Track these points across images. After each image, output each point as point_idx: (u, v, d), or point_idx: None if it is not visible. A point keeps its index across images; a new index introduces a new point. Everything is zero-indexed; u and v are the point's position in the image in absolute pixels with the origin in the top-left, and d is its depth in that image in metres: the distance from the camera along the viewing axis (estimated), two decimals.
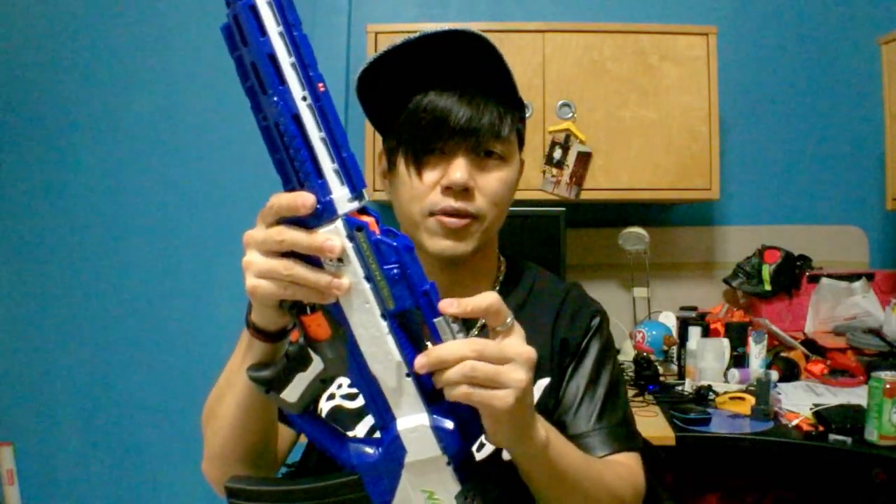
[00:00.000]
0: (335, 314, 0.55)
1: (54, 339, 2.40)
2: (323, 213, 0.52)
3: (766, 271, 2.23)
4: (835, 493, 1.95)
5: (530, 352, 0.57)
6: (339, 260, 0.53)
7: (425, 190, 0.80)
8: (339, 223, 0.52)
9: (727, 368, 1.93)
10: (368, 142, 2.06)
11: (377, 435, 0.59)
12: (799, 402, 1.74)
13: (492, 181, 0.81)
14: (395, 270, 0.53)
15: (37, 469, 2.39)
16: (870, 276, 2.23)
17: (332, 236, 0.52)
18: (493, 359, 0.54)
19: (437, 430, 0.56)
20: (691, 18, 2.34)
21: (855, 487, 1.92)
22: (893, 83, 2.06)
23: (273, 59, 0.50)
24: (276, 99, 0.51)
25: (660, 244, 2.35)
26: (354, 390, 0.82)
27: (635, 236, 2.21)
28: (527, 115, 2.05)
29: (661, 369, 2.01)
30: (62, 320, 2.39)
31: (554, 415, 0.83)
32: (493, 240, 0.90)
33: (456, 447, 0.57)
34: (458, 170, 0.78)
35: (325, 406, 0.84)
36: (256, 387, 0.59)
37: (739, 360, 1.99)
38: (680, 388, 1.92)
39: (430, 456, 0.57)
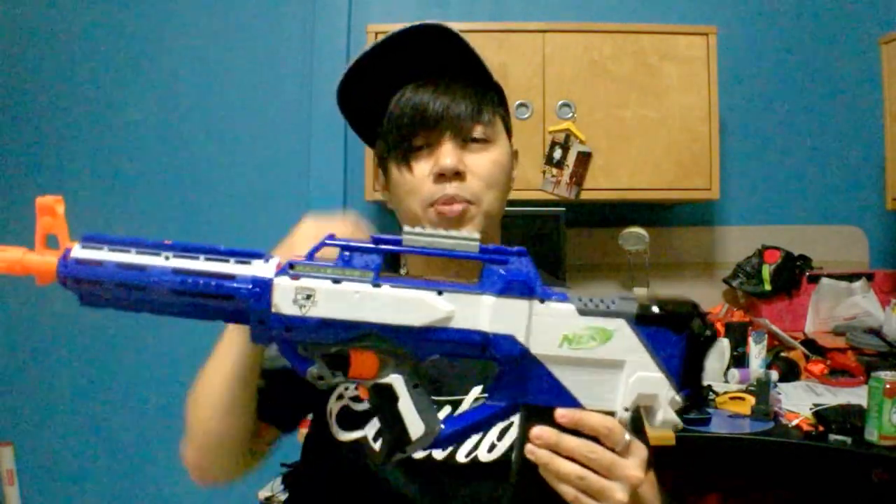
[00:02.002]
0: (349, 331, 0.54)
1: (54, 340, 2.40)
2: (262, 291, 0.54)
3: (766, 271, 2.22)
4: (835, 493, 1.95)
5: (638, 478, 0.56)
6: (308, 297, 0.54)
7: (419, 183, 0.81)
8: (277, 282, 0.54)
9: (727, 368, 1.94)
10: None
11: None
12: (799, 402, 1.74)
13: (482, 162, 0.82)
14: (345, 254, 0.55)
15: (37, 469, 2.38)
16: (870, 276, 2.23)
17: (282, 291, 0.54)
18: (603, 470, 0.54)
19: (507, 289, 0.54)
20: (691, 18, 2.33)
21: (855, 487, 1.92)
22: (893, 83, 2.06)
23: (123, 265, 0.54)
24: (154, 279, 0.54)
25: (660, 244, 2.35)
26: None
27: (635, 236, 2.21)
28: (525, 116, 2.06)
29: None
30: (62, 320, 2.39)
31: None
32: (495, 232, 0.90)
33: (525, 282, 0.54)
34: (447, 155, 0.79)
35: (334, 406, 0.84)
36: (389, 456, 0.57)
37: (739, 360, 1.99)
38: None
39: (522, 320, 0.54)
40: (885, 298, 2.17)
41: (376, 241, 0.55)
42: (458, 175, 0.80)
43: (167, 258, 0.54)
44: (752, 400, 1.68)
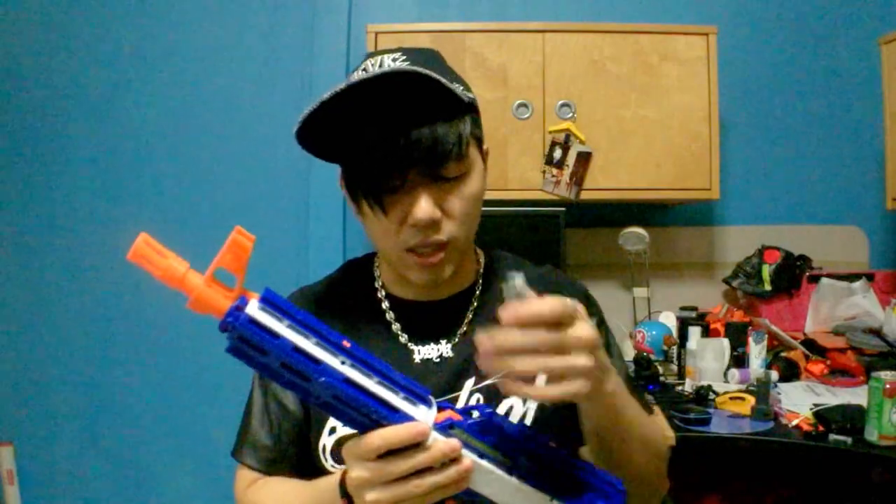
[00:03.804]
0: (467, 496, 0.60)
1: (54, 339, 2.40)
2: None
3: (766, 271, 2.23)
4: (835, 493, 1.95)
5: (590, 336, 0.59)
6: (453, 460, 0.58)
7: (394, 227, 0.79)
8: (434, 435, 0.57)
9: (727, 368, 1.94)
10: None
11: None
12: (799, 402, 1.74)
13: (457, 203, 0.79)
14: (491, 437, 0.60)
15: (37, 469, 2.38)
16: (870, 276, 2.23)
17: (442, 442, 0.57)
18: (556, 349, 0.57)
19: None
20: (691, 18, 2.34)
21: (855, 487, 1.92)
22: (893, 83, 2.06)
23: (299, 350, 0.53)
24: (322, 379, 0.53)
25: (660, 244, 2.35)
26: None
27: (635, 236, 2.21)
28: (525, 116, 2.06)
29: (661, 369, 2.01)
30: (62, 320, 2.39)
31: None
32: (470, 242, 0.90)
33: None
34: (422, 206, 0.76)
35: (328, 441, 0.82)
36: None
37: (739, 360, 1.99)
38: (680, 388, 1.92)
39: None
40: (885, 298, 2.17)
41: (526, 437, 0.61)
42: (433, 222, 0.77)
43: (343, 363, 0.54)
44: (752, 400, 1.68)
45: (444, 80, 0.73)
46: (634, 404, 0.77)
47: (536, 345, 0.56)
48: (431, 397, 0.60)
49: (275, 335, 0.52)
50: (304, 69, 2.37)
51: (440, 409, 0.60)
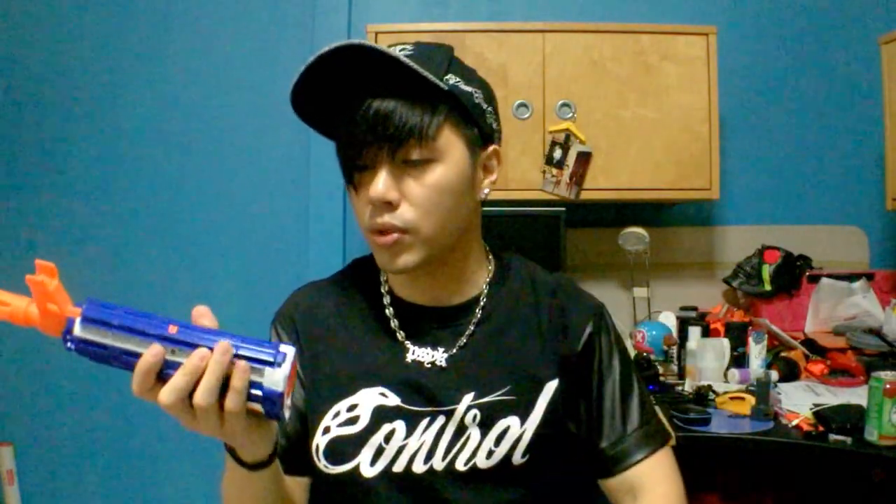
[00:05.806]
0: None
1: (53, 339, 2.39)
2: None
3: (766, 271, 2.22)
4: (835, 493, 1.95)
5: None
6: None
7: (362, 206, 0.80)
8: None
9: (727, 368, 1.93)
10: None
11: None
12: (799, 402, 1.73)
13: (419, 189, 0.78)
14: None
15: (37, 469, 2.38)
16: (870, 276, 2.23)
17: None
18: None
19: None
20: (691, 18, 2.33)
21: (855, 487, 1.92)
22: (893, 83, 2.06)
23: (126, 352, 0.61)
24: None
25: (660, 244, 2.35)
26: (354, 414, 0.82)
27: (635, 236, 2.21)
28: (525, 116, 2.06)
29: (661, 369, 2.01)
30: None
31: (581, 427, 0.88)
32: (468, 242, 0.87)
33: None
34: (377, 184, 0.77)
35: (321, 441, 0.83)
36: None
37: (739, 360, 1.99)
38: (680, 388, 1.91)
39: None
40: (885, 298, 2.17)
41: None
42: (389, 204, 0.77)
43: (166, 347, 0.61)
44: (752, 400, 1.68)
45: (408, 62, 0.74)
46: None
47: None
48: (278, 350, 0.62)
49: (101, 346, 0.60)
50: None
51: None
